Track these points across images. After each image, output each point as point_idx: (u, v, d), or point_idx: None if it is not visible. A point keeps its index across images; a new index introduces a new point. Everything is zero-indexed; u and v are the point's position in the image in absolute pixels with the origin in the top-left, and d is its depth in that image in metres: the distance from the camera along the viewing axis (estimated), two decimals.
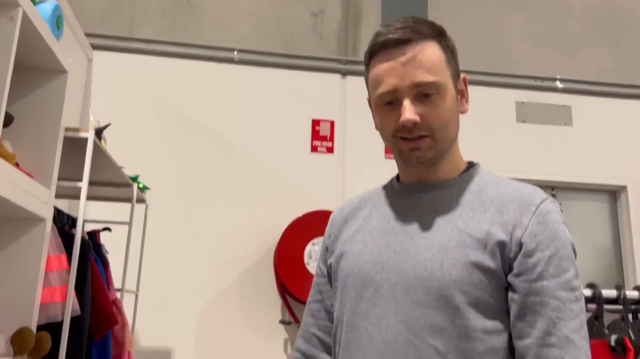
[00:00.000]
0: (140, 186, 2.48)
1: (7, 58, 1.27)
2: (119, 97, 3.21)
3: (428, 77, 0.89)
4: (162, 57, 3.32)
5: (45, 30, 1.46)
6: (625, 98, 3.61)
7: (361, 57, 3.49)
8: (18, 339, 1.37)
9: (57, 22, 1.56)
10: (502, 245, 0.85)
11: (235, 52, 3.38)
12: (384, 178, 3.82)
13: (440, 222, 0.91)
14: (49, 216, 1.55)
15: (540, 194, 0.91)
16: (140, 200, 2.53)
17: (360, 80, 3.51)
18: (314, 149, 3.33)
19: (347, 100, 3.41)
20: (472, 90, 3.72)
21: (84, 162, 1.71)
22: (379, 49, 0.92)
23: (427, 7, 3.62)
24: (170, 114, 3.23)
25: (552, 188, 3.53)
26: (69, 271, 1.61)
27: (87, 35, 3.16)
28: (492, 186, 0.93)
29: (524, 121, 3.53)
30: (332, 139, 3.37)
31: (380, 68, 0.92)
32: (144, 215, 2.63)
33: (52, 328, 1.54)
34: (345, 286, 0.95)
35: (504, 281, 0.86)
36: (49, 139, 1.59)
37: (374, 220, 0.99)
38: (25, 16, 1.33)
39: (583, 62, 3.66)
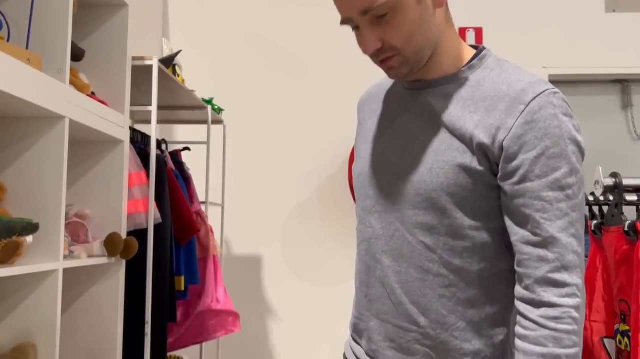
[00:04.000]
0: (216, 107, 2.66)
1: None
2: (194, 23, 3.36)
3: (369, 3, 0.86)
4: None
5: None
6: None
7: None
8: (110, 242, 1.62)
9: None
10: (484, 148, 0.86)
11: None
12: None
13: (435, 124, 0.93)
14: (126, 138, 1.76)
15: (537, 88, 0.87)
16: (217, 121, 2.72)
17: None
18: None
19: None
20: None
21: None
22: None
23: None
24: (244, 36, 3.34)
25: None
26: (149, 186, 1.83)
27: None
28: (490, 80, 0.91)
29: (614, 10, 3.23)
30: None
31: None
32: (222, 135, 2.83)
33: (140, 234, 1.79)
34: (358, 183, 1.03)
35: (494, 181, 0.88)
36: (118, 68, 1.77)
37: (384, 117, 1.03)
38: None
39: None
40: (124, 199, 1.73)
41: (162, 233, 1.88)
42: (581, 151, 0.87)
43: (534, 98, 0.85)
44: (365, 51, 0.91)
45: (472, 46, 0.99)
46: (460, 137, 0.88)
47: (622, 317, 1.16)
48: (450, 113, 0.91)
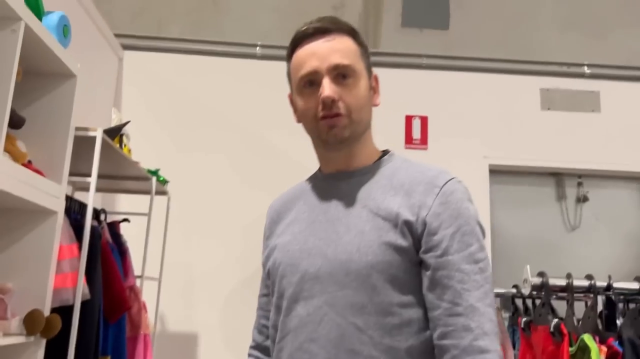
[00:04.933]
0: (161, 179, 2.63)
1: (11, 66, 1.41)
2: (148, 94, 3.38)
3: (345, 60, 0.99)
4: (188, 55, 3.46)
5: (50, 39, 1.60)
6: None
7: (382, 48, 3.52)
8: (29, 320, 1.52)
9: (63, 31, 1.69)
10: (409, 225, 0.93)
11: (258, 48, 3.48)
12: None
13: (358, 208, 0.99)
14: (60, 209, 1.70)
15: (446, 175, 0.98)
16: (162, 192, 2.68)
17: (381, 71, 3.53)
18: None
19: None
20: (495, 78, 3.70)
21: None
22: (300, 39, 1.03)
23: None
24: (196, 109, 3.37)
25: (579, 176, 3.46)
26: (80, 259, 1.76)
27: (117, 35, 3.34)
28: (403, 170, 1.02)
29: (549, 108, 3.47)
30: None
31: (302, 53, 1.02)
32: (166, 206, 2.78)
33: (66, 311, 1.70)
34: (277, 275, 1.03)
35: (416, 257, 0.93)
36: (60, 138, 1.73)
37: (302, 211, 1.08)
38: (27, 28, 1.46)
39: (613, 45, 3.54)
40: (51, 273, 1.64)
41: (90, 310, 1.78)
42: (483, 233, 0.96)
43: (445, 183, 0.97)
44: (323, 98, 0.98)
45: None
46: (385, 217, 0.95)
47: None
48: (373, 198, 0.99)
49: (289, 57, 1.07)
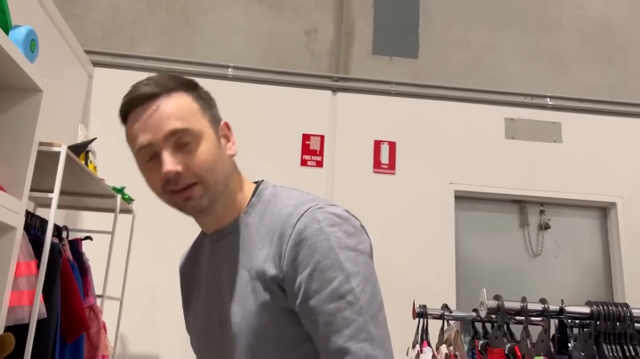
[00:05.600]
0: (126, 197, 2.60)
1: None
2: (117, 111, 3.35)
3: (180, 124, 0.89)
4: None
5: (16, 53, 1.59)
6: (615, 115, 3.63)
7: (353, 74, 3.58)
8: None
9: (30, 45, 1.68)
10: (275, 279, 0.87)
11: (230, 69, 3.50)
12: (372, 192, 3.92)
13: (236, 271, 0.93)
14: (19, 224, 1.67)
15: (300, 208, 0.89)
16: (127, 211, 2.65)
17: (351, 96, 3.62)
18: (303, 162, 3.42)
19: (337, 115, 3.50)
20: (462, 107, 3.81)
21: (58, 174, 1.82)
22: (128, 109, 0.93)
23: (418, 24, 3.70)
24: None
25: (541, 204, 3.55)
26: (38, 277, 1.72)
27: (88, 52, 3.32)
28: (269, 213, 0.94)
29: (513, 137, 3.57)
30: (321, 153, 3.46)
31: (133, 126, 0.92)
32: (130, 224, 2.74)
33: (21, 330, 1.65)
34: (198, 348, 1.04)
35: (292, 309, 0.88)
36: (22, 152, 1.70)
37: (201, 280, 1.04)
38: None
39: (573, 79, 3.69)
40: (6, 291, 1.60)
41: (46, 329, 1.74)
42: (360, 251, 0.87)
43: (299, 219, 0.88)
44: (165, 174, 0.89)
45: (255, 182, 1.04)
46: (257, 276, 0.89)
47: None
48: (248, 253, 0.93)
49: (123, 121, 0.96)
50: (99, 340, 2.11)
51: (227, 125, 1.00)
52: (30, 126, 1.73)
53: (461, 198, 3.46)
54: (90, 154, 2.43)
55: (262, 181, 1.02)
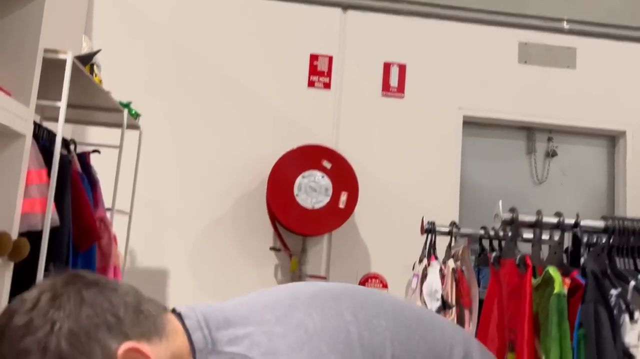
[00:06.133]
0: (132, 112, 2.56)
1: None
2: (119, 25, 3.25)
3: None
4: None
5: None
6: (633, 41, 3.52)
7: None
8: None
9: None
10: None
11: None
12: (380, 116, 3.86)
13: None
14: (28, 132, 1.65)
15: None
16: (134, 126, 2.62)
17: (362, 15, 3.49)
18: (311, 84, 3.36)
19: (347, 35, 3.39)
20: (473, 28, 3.67)
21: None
22: None
23: None
24: (168, 44, 3.27)
25: (549, 131, 3.52)
26: (49, 185, 1.72)
27: None
28: None
29: (525, 62, 3.48)
30: (329, 74, 3.38)
31: None
32: (138, 141, 2.72)
33: (34, 237, 1.67)
34: None
35: None
36: (28, 58, 1.66)
37: None
38: None
39: (592, 2, 3.55)
40: (18, 197, 1.61)
41: (59, 237, 1.76)
42: None
43: None
44: None
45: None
46: None
47: (511, 346, 1.21)
48: None
49: None
50: (110, 251, 2.15)
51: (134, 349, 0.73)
52: (34, 30, 1.68)
53: (469, 124, 3.42)
54: (95, 67, 2.37)
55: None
